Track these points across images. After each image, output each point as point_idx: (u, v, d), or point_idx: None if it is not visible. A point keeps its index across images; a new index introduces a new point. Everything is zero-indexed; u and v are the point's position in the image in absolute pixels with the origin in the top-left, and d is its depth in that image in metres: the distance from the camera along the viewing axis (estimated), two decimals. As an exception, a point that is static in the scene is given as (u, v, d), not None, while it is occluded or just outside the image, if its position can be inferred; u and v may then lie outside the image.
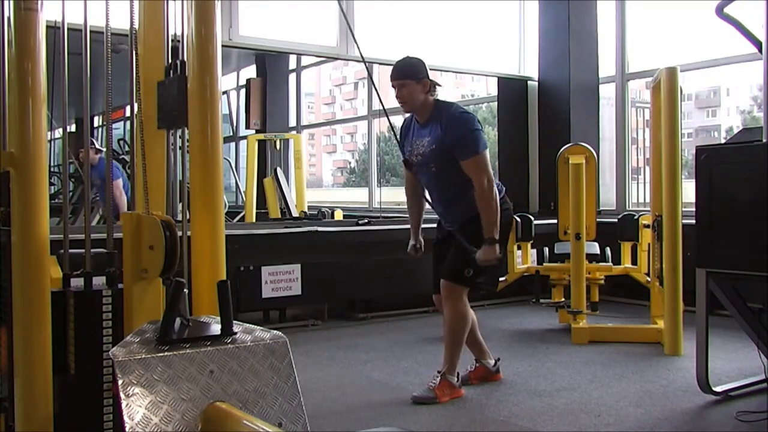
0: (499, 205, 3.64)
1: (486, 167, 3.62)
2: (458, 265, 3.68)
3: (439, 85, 3.75)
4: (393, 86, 3.73)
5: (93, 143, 6.81)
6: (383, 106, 3.93)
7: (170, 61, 2.27)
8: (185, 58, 2.23)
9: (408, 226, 4.06)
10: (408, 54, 3.76)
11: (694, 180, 3.59)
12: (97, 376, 2.25)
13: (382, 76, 6.86)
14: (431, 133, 3.69)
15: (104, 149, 7.78)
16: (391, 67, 3.74)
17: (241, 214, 9.11)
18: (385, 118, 3.94)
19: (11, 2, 2.27)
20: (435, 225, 4.01)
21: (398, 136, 3.93)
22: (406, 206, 4.11)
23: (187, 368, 1.85)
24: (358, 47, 3.78)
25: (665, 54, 7.20)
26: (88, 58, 2.44)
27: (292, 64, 11.64)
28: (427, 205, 3.97)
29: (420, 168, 3.80)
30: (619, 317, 5.77)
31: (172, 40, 2.33)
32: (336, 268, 5.79)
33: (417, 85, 3.64)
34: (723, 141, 5.38)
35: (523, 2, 7.84)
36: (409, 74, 3.65)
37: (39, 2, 2.27)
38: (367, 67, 3.60)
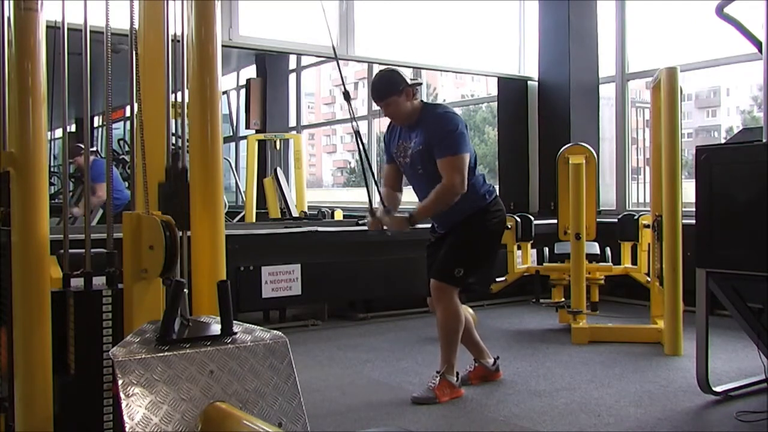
0: (447, 205, 3.61)
1: (461, 169, 3.57)
2: (448, 264, 3.67)
3: (420, 84, 3.73)
4: (379, 107, 3.73)
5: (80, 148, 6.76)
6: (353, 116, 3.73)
7: (170, 161, 2.23)
8: (186, 160, 2.22)
9: None
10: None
11: (694, 180, 3.59)
12: (97, 376, 2.25)
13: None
14: (419, 135, 3.68)
15: (93, 149, 7.75)
16: (371, 89, 3.73)
17: (241, 214, 9.10)
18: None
19: (11, 2, 2.27)
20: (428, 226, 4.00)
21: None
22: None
23: (187, 368, 1.85)
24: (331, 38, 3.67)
25: (665, 54, 7.20)
26: (88, 58, 2.44)
27: (292, 64, 11.62)
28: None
29: (407, 170, 3.80)
30: (619, 317, 5.77)
31: (172, 41, 2.33)
32: (336, 268, 5.79)
33: (400, 97, 3.64)
34: (723, 141, 5.38)
35: (523, 2, 7.84)
36: (390, 91, 3.64)
37: (39, 2, 2.27)
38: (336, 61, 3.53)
